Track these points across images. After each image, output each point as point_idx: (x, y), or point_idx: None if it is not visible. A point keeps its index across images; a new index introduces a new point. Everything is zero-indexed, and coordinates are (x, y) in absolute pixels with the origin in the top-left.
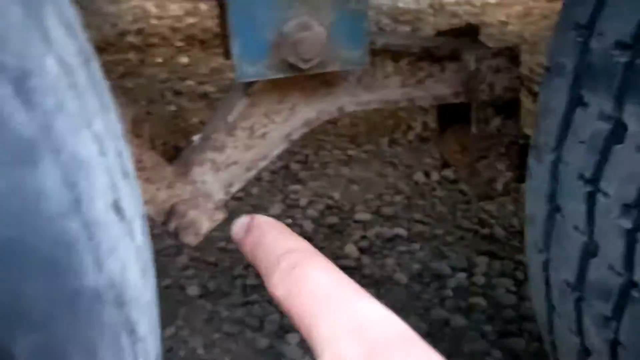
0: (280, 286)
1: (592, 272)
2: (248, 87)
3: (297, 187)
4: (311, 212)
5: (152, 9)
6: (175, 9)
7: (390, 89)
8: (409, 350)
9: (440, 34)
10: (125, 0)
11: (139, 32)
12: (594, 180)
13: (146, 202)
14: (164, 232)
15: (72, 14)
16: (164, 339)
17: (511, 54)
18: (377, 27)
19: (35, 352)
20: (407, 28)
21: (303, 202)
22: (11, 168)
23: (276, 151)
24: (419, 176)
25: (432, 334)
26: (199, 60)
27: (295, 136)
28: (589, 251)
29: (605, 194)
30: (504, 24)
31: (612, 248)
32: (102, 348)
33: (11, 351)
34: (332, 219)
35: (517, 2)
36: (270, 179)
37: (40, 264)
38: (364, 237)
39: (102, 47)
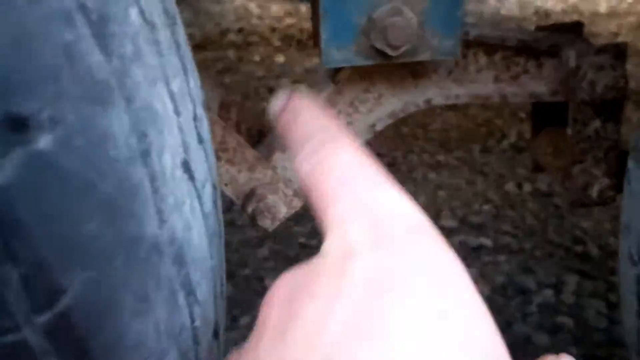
0: (304, 164)
1: None
2: (335, 74)
3: None
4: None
5: (255, 9)
6: (276, 9)
7: (483, 84)
8: (419, 242)
9: (539, 28)
10: (229, 0)
11: (240, 31)
12: None
13: (226, 183)
14: (246, 225)
15: None
16: (239, 328)
17: (617, 51)
18: None
19: (86, 289)
20: None
21: None
22: (81, 104)
23: (359, 142)
24: (510, 186)
25: (512, 350)
26: (295, 60)
27: (380, 127)
28: None
29: None
30: (615, 35)
31: None
32: (156, 300)
33: (61, 283)
34: None
35: (631, 12)
36: None
37: (101, 203)
38: None
39: (203, 44)
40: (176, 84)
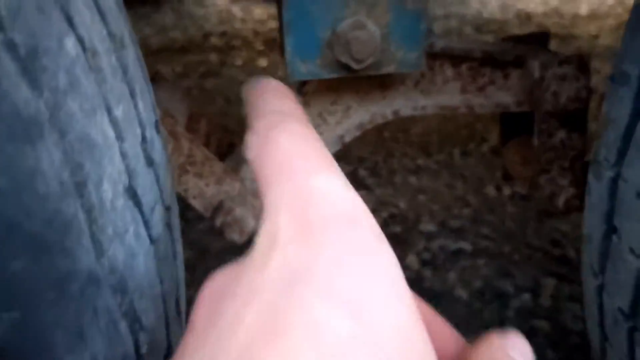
0: (252, 148)
1: None
2: (302, 86)
3: (362, 193)
4: (375, 219)
5: (238, 12)
6: (259, 12)
7: (450, 95)
8: (345, 231)
9: (506, 39)
10: (212, 3)
11: (223, 34)
12: None
13: (194, 197)
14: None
15: (108, 1)
16: None
17: (580, 62)
18: (458, 37)
19: (13, 329)
20: (490, 39)
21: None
22: (5, 143)
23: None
24: (490, 190)
25: None
26: (277, 63)
27: (348, 138)
28: None
29: None
30: (595, 37)
31: None
32: (93, 333)
33: None
34: (396, 228)
35: (611, 14)
36: None
37: (27, 241)
38: (426, 249)
39: (186, 48)
40: (120, 110)
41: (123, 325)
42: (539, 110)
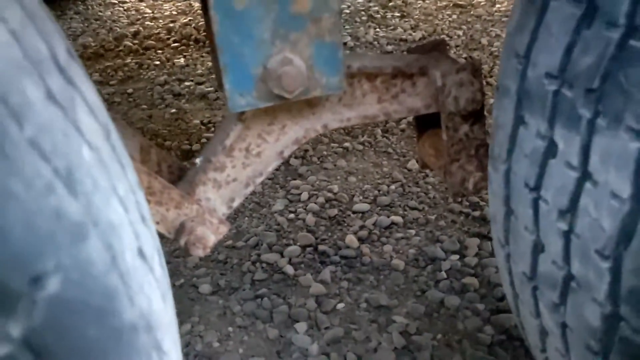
0: None
1: (541, 265)
2: (241, 114)
3: (297, 182)
4: (312, 205)
5: (147, 10)
6: (169, 8)
7: (369, 106)
8: None
9: (411, 50)
10: (120, 3)
11: (135, 34)
12: (536, 189)
13: (157, 222)
14: None
15: (94, 94)
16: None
17: (474, 68)
18: (367, 15)
19: None
20: (396, 14)
21: (304, 196)
22: (70, 248)
23: (270, 167)
24: (413, 164)
25: (428, 314)
26: (195, 60)
27: (287, 153)
28: (538, 248)
29: (545, 201)
30: (492, 3)
31: (554, 246)
32: None
33: None
34: (332, 211)
35: None
36: (272, 176)
37: (94, 313)
38: (362, 227)
39: (100, 54)
40: (122, 187)
41: (154, 355)
42: (444, 111)
